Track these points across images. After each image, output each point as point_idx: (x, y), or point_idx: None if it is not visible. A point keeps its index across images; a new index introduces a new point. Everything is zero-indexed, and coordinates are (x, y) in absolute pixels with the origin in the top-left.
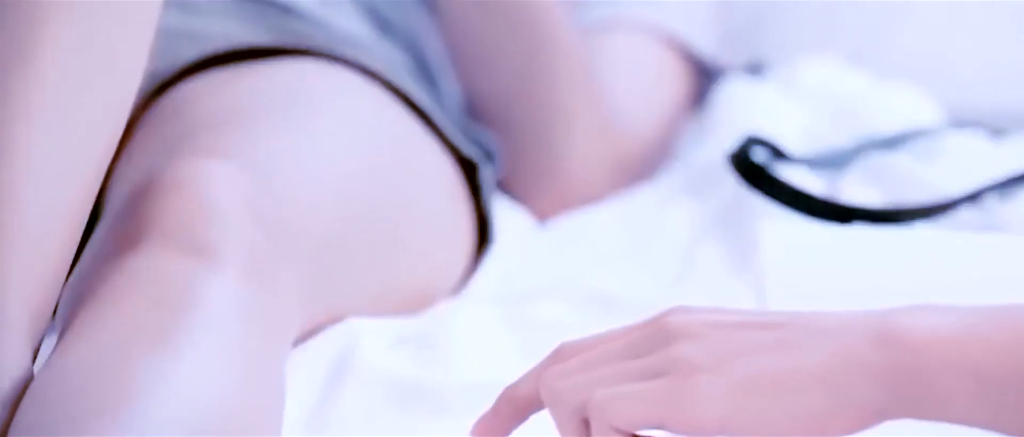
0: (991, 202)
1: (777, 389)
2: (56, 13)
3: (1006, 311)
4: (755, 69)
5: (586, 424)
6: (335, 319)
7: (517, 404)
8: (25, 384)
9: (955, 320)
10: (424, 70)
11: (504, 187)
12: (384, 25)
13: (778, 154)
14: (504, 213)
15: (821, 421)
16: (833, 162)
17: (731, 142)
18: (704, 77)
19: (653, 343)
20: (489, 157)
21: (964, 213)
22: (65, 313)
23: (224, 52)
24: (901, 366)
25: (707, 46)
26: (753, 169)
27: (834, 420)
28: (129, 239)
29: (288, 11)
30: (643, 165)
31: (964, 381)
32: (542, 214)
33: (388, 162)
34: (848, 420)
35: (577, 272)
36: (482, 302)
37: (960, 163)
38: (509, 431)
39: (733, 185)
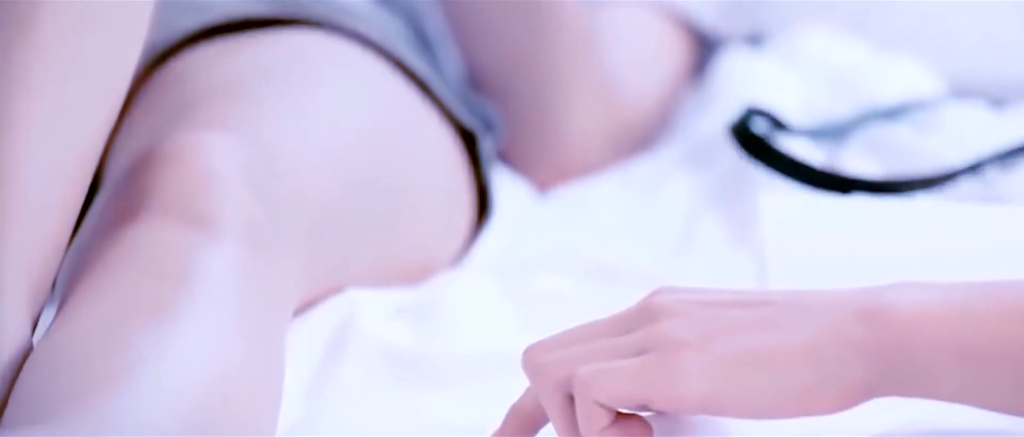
0: (992, 173)
1: (763, 365)
2: None
3: (993, 287)
4: (755, 40)
5: (570, 399)
6: (334, 290)
7: (523, 419)
8: (25, 355)
9: (942, 296)
10: (423, 40)
11: (504, 157)
12: None
13: (778, 125)
14: (504, 183)
15: (808, 398)
16: (833, 133)
17: (731, 113)
18: (704, 48)
19: (638, 321)
20: (489, 127)
21: (964, 184)
22: (64, 284)
23: (223, 23)
24: (888, 343)
25: (707, 17)
26: (753, 140)
27: (821, 397)
28: (128, 210)
29: None
30: (643, 135)
31: (951, 357)
32: (542, 184)
33: (387, 133)
34: (835, 397)
35: (577, 243)
36: (481, 273)
37: (960, 134)
38: None
39: (733, 156)
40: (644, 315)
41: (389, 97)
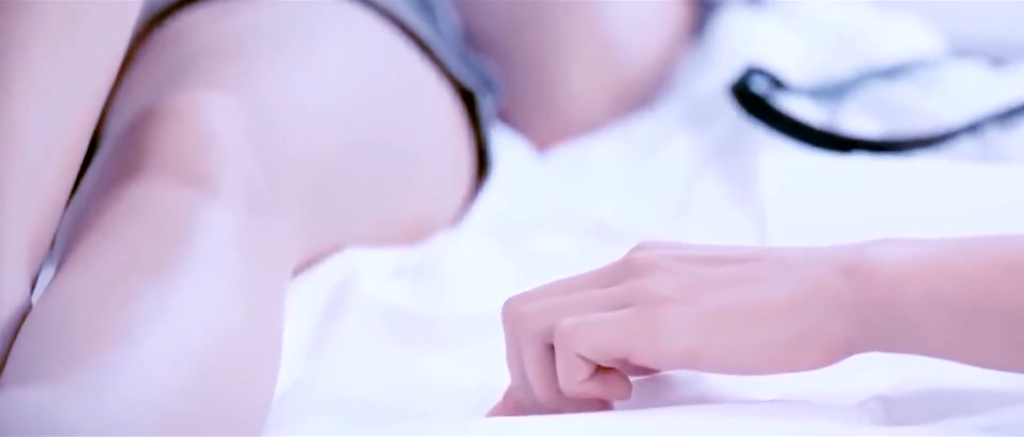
0: (991, 132)
1: (745, 321)
2: None
3: (974, 242)
4: None
5: (549, 349)
6: (334, 249)
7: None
8: (24, 314)
9: (923, 251)
10: None
11: (503, 117)
12: None
13: (778, 84)
14: (503, 143)
15: (790, 353)
16: (833, 92)
17: (731, 72)
18: (704, 7)
19: (621, 275)
20: (489, 87)
21: (964, 143)
22: (63, 243)
23: None
24: (871, 298)
25: None
26: (753, 99)
27: (803, 352)
28: (128, 169)
29: None
30: (643, 95)
31: (933, 311)
32: (541, 144)
33: (387, 93)
34: (817, 352)
35: (576, 203)
36: (481, 233)
37: (960, 93)
38: None
39: (733, 115)
40: (627, 269)
41: (388, 57)
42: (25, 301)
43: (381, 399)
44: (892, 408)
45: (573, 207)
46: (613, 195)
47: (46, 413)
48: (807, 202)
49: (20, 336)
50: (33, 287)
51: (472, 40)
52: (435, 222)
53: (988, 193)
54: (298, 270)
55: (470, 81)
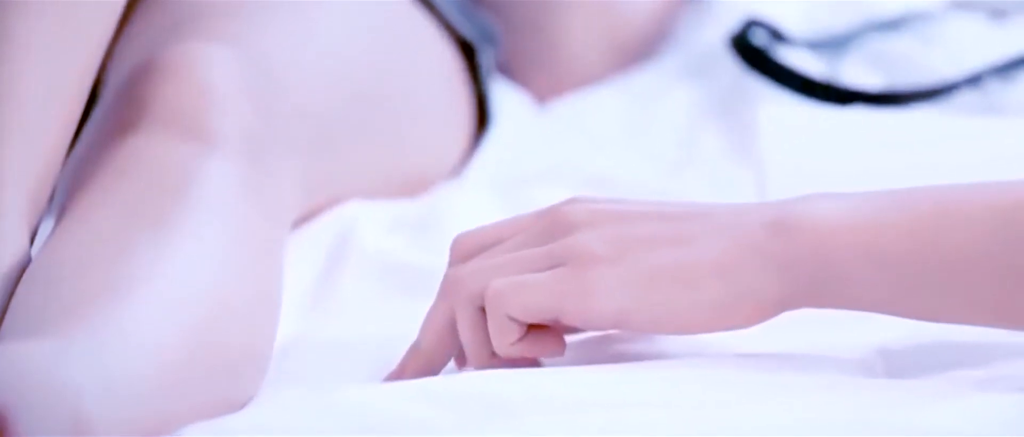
0: (991, 85)
1: (675, 282)
2: None
3: (904, 193)
4: None
5: (480, 313)
6: (334, 202)
7: (425, 358)
8: (23, 267)
9: (851, 205)
10: None
11: (503, 69)
12: None
13: (778, 37)
14: (503, 96)
15: (720, 313)
16: (833, 45)
17: (731, 25)
18: None
19: (551, 232)
20: (489, 39)
21: (964, 96)
22: (63, 196)
23: None
24: (801, 254)
25: None
26: (753, 52)
27: (733, 311)
28: (127, 122)
29: None
30: (642, 46)
31: (863, 264)
32: (541, 96)
33: (387, 45)
34: (748, 311)
35: (576, 156)
36: (480, 185)
37: (960, 46)
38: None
39: (733, 68)
40: (558, 226)
41: (388, 9)
42: (24, 254)
43: (380, 351)
44: (891, 361)
45: (573, 160)
46: (613, 148)
47: (45, 366)
48: (807, 154)
49: (19, 289)
50: (33, 240)
51: None
52: (435, 174)
53: (988, 146)
54: (297, 223)
55: (470, 33)
